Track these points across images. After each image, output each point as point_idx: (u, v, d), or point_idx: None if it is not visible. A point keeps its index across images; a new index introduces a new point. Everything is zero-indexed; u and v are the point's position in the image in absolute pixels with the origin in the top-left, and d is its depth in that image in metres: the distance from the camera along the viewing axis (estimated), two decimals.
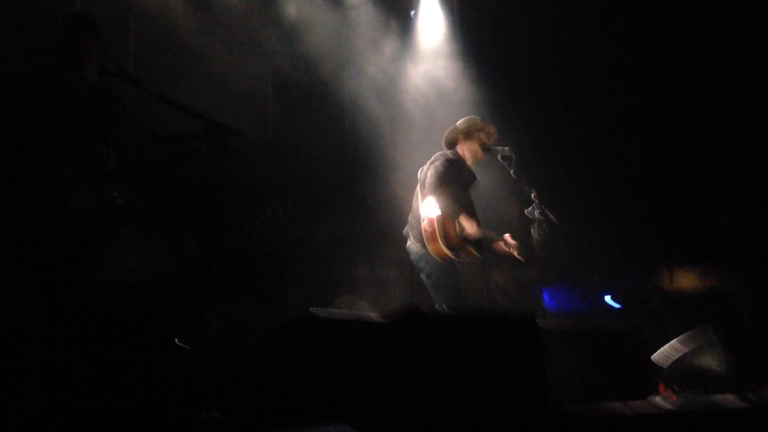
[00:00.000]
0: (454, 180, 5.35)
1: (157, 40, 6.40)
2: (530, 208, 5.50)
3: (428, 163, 5.42)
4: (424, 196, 5.29)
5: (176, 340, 2.97)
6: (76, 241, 3.51)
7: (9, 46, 5.15)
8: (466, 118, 5.64)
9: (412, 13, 8.63)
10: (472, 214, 5.36)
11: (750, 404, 4.18)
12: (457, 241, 5.23)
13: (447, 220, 5.20)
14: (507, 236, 5.55)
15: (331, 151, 8.40)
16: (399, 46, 8.36)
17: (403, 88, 8.30)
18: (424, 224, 5.18)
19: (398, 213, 5.95)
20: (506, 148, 5.50)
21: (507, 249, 5.52)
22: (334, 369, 3.07)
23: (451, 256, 5.19)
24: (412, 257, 5.42)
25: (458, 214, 5.22)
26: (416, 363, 2.99)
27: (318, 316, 3.32)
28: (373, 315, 5.22)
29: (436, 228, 5.12)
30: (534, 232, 5.43)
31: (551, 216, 5.44)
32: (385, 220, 7.58)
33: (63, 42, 3.94)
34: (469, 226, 5.22)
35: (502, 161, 5.52)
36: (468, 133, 5.55)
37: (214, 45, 6.65)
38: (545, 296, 8.20)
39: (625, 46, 8.60)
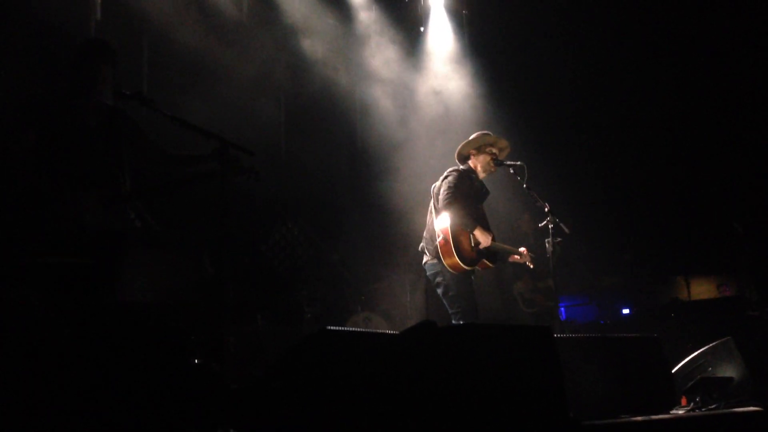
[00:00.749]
0: (467, 194, 5.38)
1: (171, 61, 6.47)
2: (543, 220, 5.50)
3: (441, 179, 5.45)
4: (437, 212, 5.33)
5: (194, 359, 2.98)
6: (94, 264, 3.54)
7: (27, 70, 5.22)
8: (478, 132, 5.66)
9: (422, 28, 8.69)
10: (486, 227, 5.38)
11: None
12: (472, 254, 5.26)
13: (461, 234, 5.24)
14: (522, 249, 5.60)
15: (344, 168, 8.43)
16: (409, 62, 8.40)
17: (415, 104, 8.33)
18: (439, 239, 5.21)
19: (413, 228, 5.96)
20: (518, 162, 5.51)
21: (522, 261, 5.60)
22: (351, 386, 3.07)
23: (467, 269, 5.22)
24: (429, 273, 5.43)
25: (473, 228, 5.25)
26: (433, 378, 2.99)
27: (334, 333, 3.32)
28: (389, 331, 5.23)
29: (450, 242, 5.15)
30: (548, 244, 5.44)
31: (564, 227, 5.44)
32: (399, 235, 7.60)
33: (79, 67, 3.98)
34: (484, 240, 5.25)
35: (514, 174, 5.53)
36: (480, 148, 5.58)
37: (227, 65, 6.71)
38: (562, 310, 8.19)
39: (639, 57, 8.60)
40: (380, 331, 6.09)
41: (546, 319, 7.46)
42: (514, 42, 8.47)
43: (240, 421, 2.90)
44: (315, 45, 7.68)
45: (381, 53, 8.15)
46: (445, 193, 5.27)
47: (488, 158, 5.55)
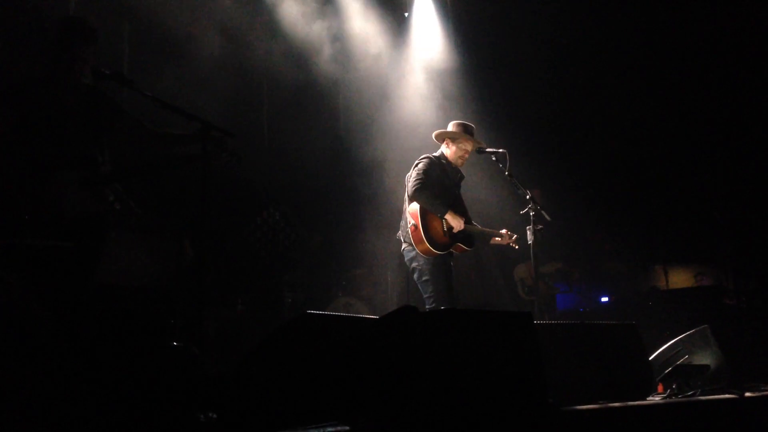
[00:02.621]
0: (438, 180, 5.47)
1: (152, 42, 6.38)
2: (525, 208, 5.51)
3: (412, 168, 5.51)
4: (408, 199, 5.42)
5: (174, 342, 2.97)
6: (73, 247, 3.49)
7: (4, 49, 5.13)
8: (457, 123, 5.69)
9: (406, 14, 8.63)
10: (458, 212, 5.43)
11: (747, 403, 4.19)
12: (445, 239, 5.36)
13: (432, 220, 5.33)
14: (504, 231, 5.65)
15: (326, 153, 8.39)
16: (393, 48, 8.36)
17: (398, 88, 8.30)
18: (410, 226, 5.33)
19: (395, 214, 5.97)
20: (500, 149, 5.54)
21: (504, 242, 5.67)
22: (332, 370, 3.07)
23: (439, 253, 5.30)
24: (406, 259, 5.52)
25: (443, 213, 5.34)
26: (413, 363, 2.99)
27: (315, 317, 3.32)
28: (369, 316, 5.24)
29: (420, 228, 5.25)
30: (529, 231, 5.45)
31: (545, 215, 5.46)
32: (381, 221, 7.60)
33: (58, 46, 3.91)
34: (457, 223, 5.34)
35: (496, 162, 5.56)
36: (454, 140, 5.64)
37: (208, 47, 6.63)
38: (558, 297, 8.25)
39: (619, 45, 8.62)
40: (361, 316, 6.10)
41: (542, 308, 7.42)
42: (499, 27, 8.45)
43: (220, 405, 2.89)
44: (299, 29, 7.61)
45: (365, 38, 8.10)
46: (414, 180, 5.37)
47: (459, 152, 5.64)
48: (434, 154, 5.64)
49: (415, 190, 5.31)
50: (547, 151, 8.70)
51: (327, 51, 7.83)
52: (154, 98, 3.64)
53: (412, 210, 5.37)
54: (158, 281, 3.70)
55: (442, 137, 5.70)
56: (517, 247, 5.68)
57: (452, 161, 5.63)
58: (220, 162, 3.81)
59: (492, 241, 5.75)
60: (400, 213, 5.65)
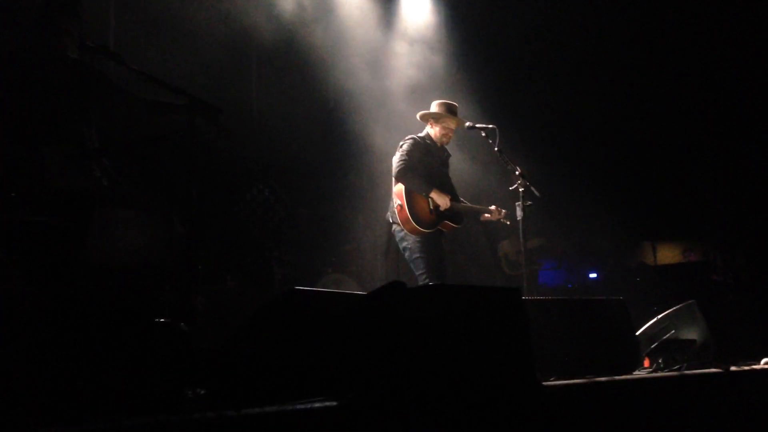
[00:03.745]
0: (422, 160, 5.53)
1: (139, 15, 6.30)
2: (514, 184, 5.51)
3: (397, 149, 5.56)
4: (394, 181, 5.51)
5: (162, 318, 2.96)
6: (59, 222, 3.47)
7: None
8: (440, 103, 5.72)
9: None
10: (444, 189, 5.51)
11: (732, 377, 4.24)
12: (431, 218, 5.43)
13: (417, 199, 5.41)
14: (493, 207, 5.69)
15: (316, 130, 8.35)
16: (384, 27, 8.29)
17: (389, 69, 8.24)
18: (396, 206, 5.42)
19: (385, 191, 5.98)
20: (490, 125, 5.56)
21: (495, 218, 5.72)
22: (320, 345, 3.08)
23: (426, 232, 5.37)
24: (396, 239, 5.57)
25: (428, 191, 5.42)
26: (401, 338, 3.00)
27: (303, 293, 3.32)
28: (358, 292, 5.26)
29: (406, 208, 5.33)
30: (519, 208, 5.46)
31: (535, 191, 5.47)
32: (371, 198, 7.59)
33: (43, 21, 3.86)
34: (442, 201, 5.43)
35: (486, 138, 5.57)
36: (437, 119, 5.69)
37: (197, 21, 6.55)
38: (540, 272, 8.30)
39: (608, 27, 8.59)
40: (349, 291, 6.11)
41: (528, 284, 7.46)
42: (491, 7, 8.39)
43: (208, 381, 2.90)
44: (289, 8, 7.53)
45: (356, 17, 8.02)
46: (398, 161, 5.45)
47: (443, 131, 5.71)
48: (419, 134, 5.71)
49: (399, 170, 5.40)
50: (535, 126, 8.69)
51: (317, 24, 7.75)
52: (141, 72, 3.60)
53: (397, 190, 5.46)
54: (146, 257, 3.68)
55: (426, 118, 5.75)
56: (509, 222, 5.71)
57: (437, 141, 5.70)
58: (210, 137, 3.79)
59: (482, 218, 5.80)
60: (388, 193, 5.69)
